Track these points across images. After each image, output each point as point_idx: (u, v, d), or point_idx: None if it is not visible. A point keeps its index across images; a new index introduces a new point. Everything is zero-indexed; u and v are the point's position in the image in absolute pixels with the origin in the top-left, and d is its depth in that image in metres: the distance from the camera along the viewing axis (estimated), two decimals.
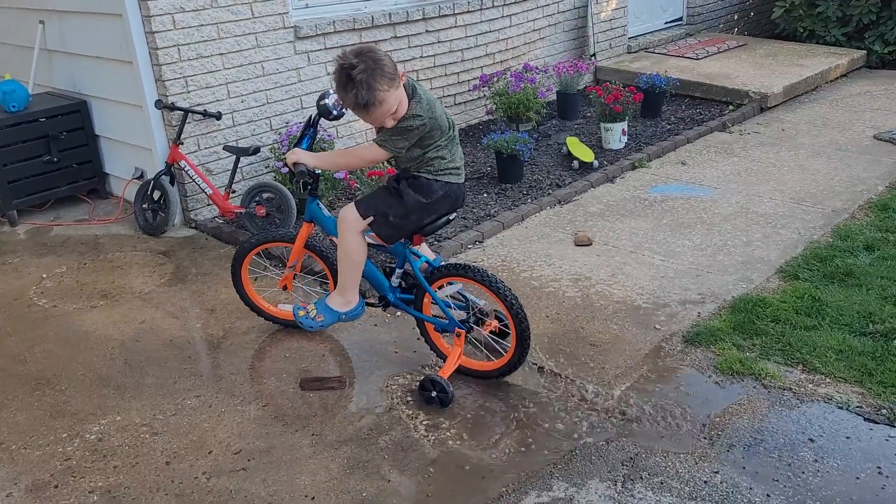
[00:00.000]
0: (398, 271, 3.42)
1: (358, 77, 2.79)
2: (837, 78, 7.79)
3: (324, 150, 5.12)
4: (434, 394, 3.23)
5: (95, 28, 5.08)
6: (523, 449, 2.97)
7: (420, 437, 3.07)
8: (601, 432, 3.02)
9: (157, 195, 5.04)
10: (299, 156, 3.16)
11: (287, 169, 3.32)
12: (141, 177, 5.22)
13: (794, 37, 8.82)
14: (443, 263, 3.36)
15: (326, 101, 3.27)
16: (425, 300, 3.40)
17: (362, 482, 2.83)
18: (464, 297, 3.38)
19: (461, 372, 3.40)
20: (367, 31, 5.73)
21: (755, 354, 3.41)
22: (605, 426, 3.06)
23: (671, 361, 3.44)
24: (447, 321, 3.35)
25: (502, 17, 6.67)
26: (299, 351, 3.69)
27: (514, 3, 6.73)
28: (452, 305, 3.34)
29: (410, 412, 3.22)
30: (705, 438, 2.96)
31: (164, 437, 3.13)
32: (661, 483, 2.74)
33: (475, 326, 3.37)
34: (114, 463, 3.00)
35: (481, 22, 6.51)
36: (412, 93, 2.98)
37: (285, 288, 3.71)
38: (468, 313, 3.35)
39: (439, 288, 3.36)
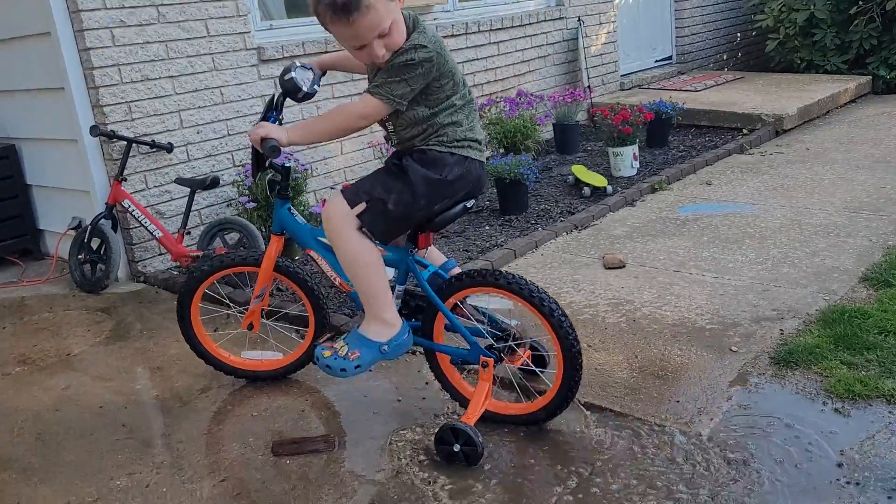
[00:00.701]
0: (399, 289, 2.57)
1: None
2: (846, 104, 7.25)
3: (296, 181, 4.34)
4: (458, 447, 2.34)
5: (22, 56, 4.34)
6: None
7: None
8: (697, 483, 2.15)
9: (95, 244, 4.19)
10: (267, 129, 2.34)
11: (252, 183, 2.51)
12: (78, 226, 4.37)
13: (790, 69, 8.35)
14: (458, 272, 2.53)
15: (293, 73, 2.48)
16: (436, 325, 2.55)
17: None
18: (487, 316, 2.54)
19: (487, 419, 2.53)
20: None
21: (875, 373, 2.59)
22: (702, 479, 2.18)
23: (765, 389, 2.60)
24: (469, 349, 2.49)
25: (489, 43, 6.06)
26: (271, 409, 2.80)
27: (501, 28, 6.14)
28: (483, 329, 2.48)
29: (426, 475, 2.32)
30: (849, 483, 2.09)
31: None
32: None
33: (504, 356, 2.52)
34: None
35: (467, 48, 5.89)
36: (413, 25, 2.23)
37: (251, 328, 2.84)
38: (496, 338, 2.50)
39: (455, 307, 2.52)
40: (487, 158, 4.72)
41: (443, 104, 2.28)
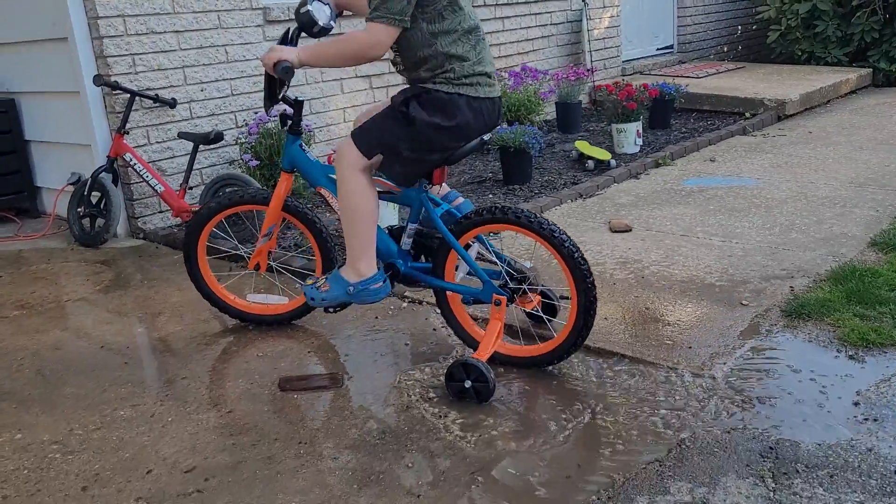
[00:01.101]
0: (410, 227, 2.54)
1: None
2: (847, 94, 7.26)
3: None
4: (468, 383, 2.30)
5: (25, 5, 4.27)
6: (609, 449, 2.04)
7: (455, 438, 2.13)
8: (712, 422, 2.12)
9: (95, 198, 4.13)
10: (281, 52, 2.31)
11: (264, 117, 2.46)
12: (77, 181, 4.31)
13: (791, 61, 8.37)
14: (473, 209, 2.50)
15: (309, 7, 2.43)
16: (448, 264, 2.52)
17: (379, 499, 1.88)
18: (500, 256, 2.51)
19: (496, 361, 2.49)
20: (347, 21, 5.01)
21: (888, 324, 2.57)
22: (716, 415, 2.16)
23: (777, 337, 2.58)
24: (481, 287, 2.46)
25: (494, 18, 6.03)
26: (276, 351, 2.75)
27: (507, 4, 6.12)
28: (500, 267, 2.46)
29: (436, 410, 2.29)
30: (868, 419, 2.07)
31: (81, 456, 2.15)
32: (832, 477, 1.83)
33: (517, 297, 2.49)
34: (3, 492, 2.00)
35: None
36: None
37: (257, 268, 2.80)
38: (508, 278, 2.47)
39: (468, 246, 2.49)
40: None
41: (445, 23, 2.23)
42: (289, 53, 2.29)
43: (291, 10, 4.70)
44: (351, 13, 2.67)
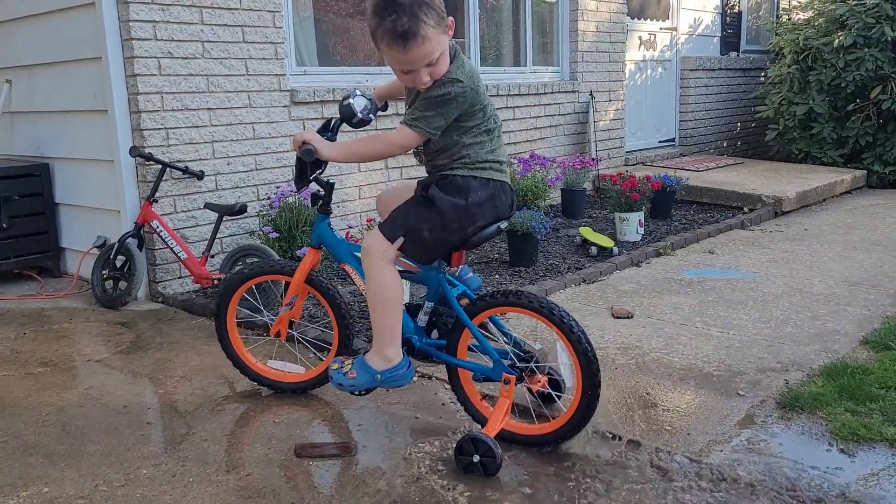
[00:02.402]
0: (427, 306, 2.70)
1: (402, 0, 2.23)
2: (842, 194, 7.54)
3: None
4: (476, 457, 2.43)
5: (69, 78, 4.55)
6: None
7: None
8: None
9: (120, 261, 4.30)
10: (310, 136, 2.52)
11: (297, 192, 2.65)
12: (103, 245, 4.49)
13: (788, 159, 8.69)
14: (485, 292, 2.66)
15: (351, 100, 2.64)
16: (461, 342, 2.67)
17: None
18: (509, 336, 2.67)
19: (503, 439, 2.61)
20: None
21: (878, 420, 2.70)
22: (711, 500, 2.27)
23: (771, 428, 2.71)
24: (491, 366, 2.61)
25: (506, 107, 6.34)
26: (292, 418, 2.87)
27: (518, 94, 6.44)
28: (509, 350, 2.61)
29: (445, 482, 2.40)
30: None
31: None
32: None
33: (525, 377, 2.63)
34: None
35: None
36: (454, 55, 2.42)
37: (278, 335, 2.95)
38: (516, 359, 2.62)
39: (481, 325, 2.64)
40: None
41: (471, 130, 2.45)
42: (318, 142, 2.50)
43: (317, 93, 4.99)
44: (395, 99, 2.90)
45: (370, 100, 2.61)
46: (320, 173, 2.65)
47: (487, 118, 2.49)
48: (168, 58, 4.29)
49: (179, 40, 4.31)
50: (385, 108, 2.82)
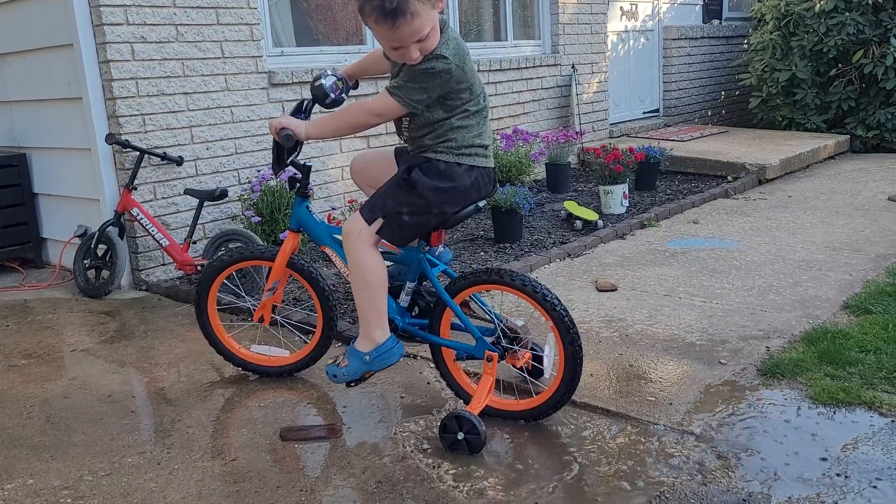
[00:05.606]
0: (409, 286, 2.70)
1: None
2: (826, 159, 7.56)
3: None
4: (461, 435, 2.44)
5: (42, 66, 4.49)
6: (594, 500, 2.18)
7: (448, 488, 2.26)
8: (690, 474, 2.26)
9: (101, 250, 4.28)
10: (287, 120, 2.50)
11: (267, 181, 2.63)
12: (84, 234, 4.46)
13: (772, 126, 8.70)
14: (467, 271, 2.66)
15: (322, 81, 2.62)
16: (443, 321, 2.67)
17: None
18: (492, 314, 2.67)
19: (487, 414, 2.62)
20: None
21: (857, 384, 2.73)
22: (694, 466, 2.30)
23: (753, 394, 2.73)
24: (474, 344, 2.61)
25: (487, 83, 6.30)
26: (277, 401, 2.88)
27: (499, 70, 6.40)
28: (493, 324, 2.61)
29: (430, 461, 2.42)
30: (837, 475, 2.21)
31: (91, 501, 2.26)
32: None
33: (508, 354, 2.64)
34: None
35: None
36: (442, 29, 2.38)
37: (262, 320, 2.94)
38: (499, 335, 2.62)
39: (463, 304, 2.65)
40: None
41: (458, 110, 2.42)
42: (295, 124, 2.48)
43: (295, 74, 4.94)
44: (367, 76, 2.87)
45: (341, 79, 2.59)
46: (296, 156, 2.63)
47: (475, 97, 2.45)
48: (141, 42, 4.23)
49: (152, 24, 4.26)
50: (356, 86, 2.79)
